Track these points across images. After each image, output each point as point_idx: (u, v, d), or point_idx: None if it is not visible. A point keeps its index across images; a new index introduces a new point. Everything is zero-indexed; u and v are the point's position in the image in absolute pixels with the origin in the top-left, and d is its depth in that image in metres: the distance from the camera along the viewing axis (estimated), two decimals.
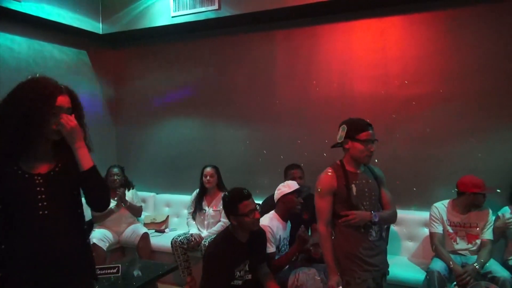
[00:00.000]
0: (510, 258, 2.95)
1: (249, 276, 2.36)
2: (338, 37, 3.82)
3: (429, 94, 3.50)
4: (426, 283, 2.82)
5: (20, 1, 3.61)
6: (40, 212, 1.49)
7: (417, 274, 2.98)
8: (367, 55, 3.71)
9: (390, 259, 3.17)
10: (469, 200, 3.01)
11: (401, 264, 3.22)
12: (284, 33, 4.04)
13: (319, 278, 2.61)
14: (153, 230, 4.24)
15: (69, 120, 1.50)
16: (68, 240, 1.55)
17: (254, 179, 4.02)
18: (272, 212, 2.88)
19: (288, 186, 2.85)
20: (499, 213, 3.07)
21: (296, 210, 2.82)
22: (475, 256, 2.90)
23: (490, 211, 3.04)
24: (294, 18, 3.92)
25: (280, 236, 2.77)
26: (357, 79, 3.75)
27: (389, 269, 2.91)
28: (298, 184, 3.13)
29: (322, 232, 2.21)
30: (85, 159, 1.54)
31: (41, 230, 1.49)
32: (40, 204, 1.49)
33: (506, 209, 3.07)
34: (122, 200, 3.96)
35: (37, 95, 1.46)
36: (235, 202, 2.28)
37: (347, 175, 2.23)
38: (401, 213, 3.44)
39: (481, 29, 3.33)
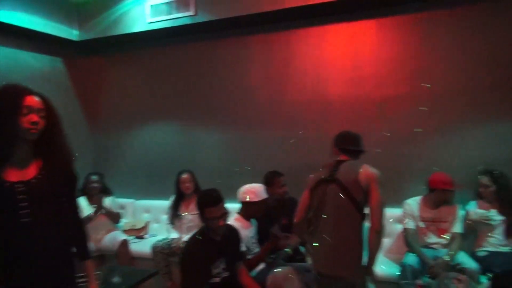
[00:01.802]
0: (478, 250, 3.09)
1: (227, 274, 2.39)
2: (312, 41, 3.91)
3: (401, 95, 3.62)
4: (400, 277, 2.92)
5: None
6: (22, 220, 1.49)
7: (393, 269, 3.08)
8: (340, 59, 3.82)
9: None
10: (440, 197, 3.14)
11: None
12: (260, 38, 4.11)
13: (297, 277, 2.67)
14: (133, 237, 4.22)
15: None
16: (51, 246, 1.56)
17: (232, 182, 4.03)
18: (235, 215, 2.91)
19: (256, 194, 2.86)
20: (467, 208, 3.22)
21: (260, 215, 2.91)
22: (446, 249, 3.02)
23: (459, 206, 3.19)
24: (269, 23, 4.00)
25: (246, 236, 2.81)
26: (332, 82, 3.85)
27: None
28: (282, 193, 3.25)
29: None
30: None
31: (23, 237, 1.50)
32: (21, 212, 1.49)
33: (473, 203, 3.23)
34: (99, 207, 3.94)
35: (4, 97, 1.49)
36: (202, 206, 2.31)
37: None
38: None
39: (449, 33, 3.47)
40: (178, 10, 4.00)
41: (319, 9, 3.62)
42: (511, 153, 3.30)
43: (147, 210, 4.53)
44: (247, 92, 4.19)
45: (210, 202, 2.28)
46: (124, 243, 3.90)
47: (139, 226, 4.36)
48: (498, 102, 3.36)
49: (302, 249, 3.32)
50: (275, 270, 2.70)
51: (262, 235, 3.00)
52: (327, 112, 3.85)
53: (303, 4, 3.53)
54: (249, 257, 2.79)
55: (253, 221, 3.03)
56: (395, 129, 3.64)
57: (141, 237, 4.25)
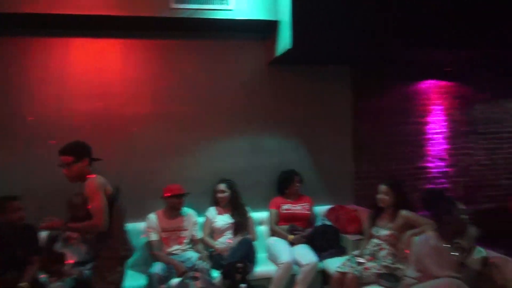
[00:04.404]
0: (212, 250, 3.58)
1: None
2: (55, 53, 3.67)
3: (148, 113, 3.84)
4: (148, 285, 3.08)
5: None
6: None
7: (140, 280, 3.19)
8: (87, 74, 3.72)
9: None
10: (168, 204, 3.49)
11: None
12: None
13: None
14: None
15: None
16: None
17: None
18: None
19: None
20: (207, 214, 3.72)
21: None
22: (187, 253, 3.41)
23: (195, 213, 3.65)
24: (1, 27, 3.51)
25: None
26: (76, 98, 3.71)
27: None
28: (17, 218, 2.93)
29: None
30: None
31: None
32: None
33: (212, 209, 3.74)
34: None
35: None
36: None
37: None
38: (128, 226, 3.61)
39: (191, 60, 3.93)
40: None
41: (61, 20, 3.43)
42: (241, 165, 4.02)
43: None
44: None
45: None
46: None
47: None
48: (229, 124, 4.03)
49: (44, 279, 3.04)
50: None
51: None
52: (70, 128, 3.64)
53: (43, 12, 3.27)
54: None
55: None
56: (142, 146, 3.82)
57: None
